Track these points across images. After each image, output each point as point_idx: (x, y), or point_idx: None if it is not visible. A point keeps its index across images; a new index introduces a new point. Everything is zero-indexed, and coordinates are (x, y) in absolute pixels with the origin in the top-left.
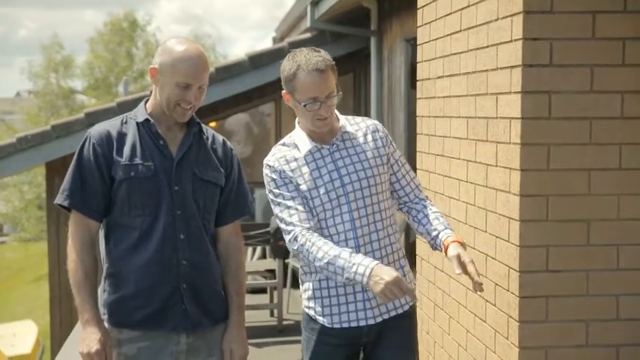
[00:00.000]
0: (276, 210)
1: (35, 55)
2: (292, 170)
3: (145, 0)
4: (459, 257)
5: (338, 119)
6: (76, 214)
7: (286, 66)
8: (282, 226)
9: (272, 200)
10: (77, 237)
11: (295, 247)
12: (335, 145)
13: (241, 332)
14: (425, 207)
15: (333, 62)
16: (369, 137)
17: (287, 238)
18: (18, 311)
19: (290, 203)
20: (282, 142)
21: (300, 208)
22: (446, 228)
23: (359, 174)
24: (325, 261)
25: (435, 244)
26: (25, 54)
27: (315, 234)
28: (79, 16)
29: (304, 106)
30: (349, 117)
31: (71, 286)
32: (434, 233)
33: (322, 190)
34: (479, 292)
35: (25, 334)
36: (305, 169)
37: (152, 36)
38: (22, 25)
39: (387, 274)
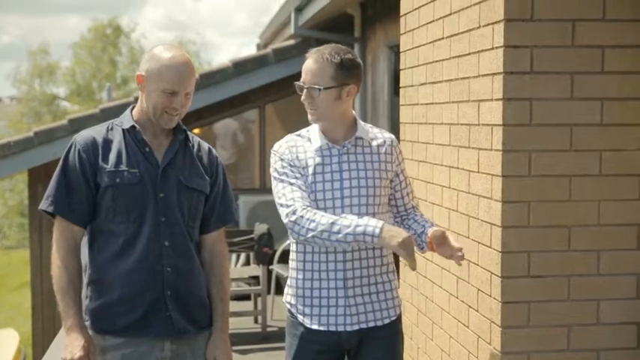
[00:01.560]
0: (278, 187)
1: (18, 60)
2: (299, 159)
3: (129, 6)
4: (439, 234)
5: (356, 122)
6: (61, 220)
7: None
8: (282, 200)
9: (275, 178)
10: (62, 243)
11: (293, 219)
12: (345, 148)
13: (225, 339)
14: (415, 214)
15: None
16: (383, 150)
17: (285, 211)
18: (0, 319)
19: (293, 181)
20: (298, 132)
21: (303, 187)
22: (432, 225)
23: (360, 181)
24: (330, 221)
25: (420, 242)
26: (8, 60)
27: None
28: (62, 21)
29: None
30: (369, 125)
31: (55, 292)
32: (420, 231)
33: (319, 187)
34: (460, 263)
35: (7, 342)
36: (310, 162)
37: (136, 42)
38: (5, 30)
39: (401, 231)
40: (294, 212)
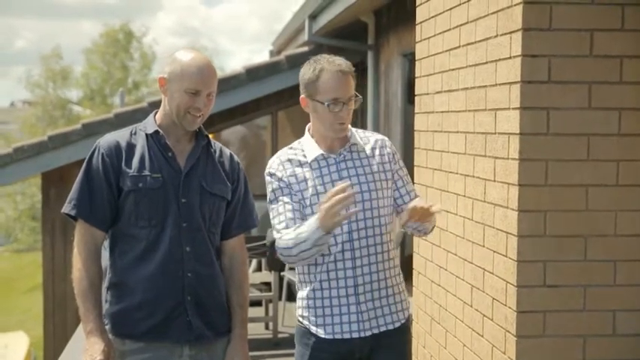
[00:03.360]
0: (272, 213)
1: (31, 65)
2: (295, 175)
3: (142, 12)
4: (410, 213)
5: (349, 130)
6: (83, 224)
7: (308, 69)
8: (274, 233)
9: (270, 201)
10: (83, 247)
11: (278, 253)
12: (342, 155)
13: (244, 346)
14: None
15: (354, 69)
16: (377, 152)
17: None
18: (10, 322)
19: (281, 209)
20: (290, 146)
21: (289, 215)
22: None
23: (362, 186)
24: (295, 249)
25: (422, 228)
26: (22, 64)
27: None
28: (76, 26)
29: (327, 106)
30: (359, 130)
31: (75, 295)
32: (405, 207)
33: (323, 198)
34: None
35: (17, 345)
36: (309, 175)
37: (148, 48)
38: (20, 35)
39: (321, 209)
40: (278, 246)
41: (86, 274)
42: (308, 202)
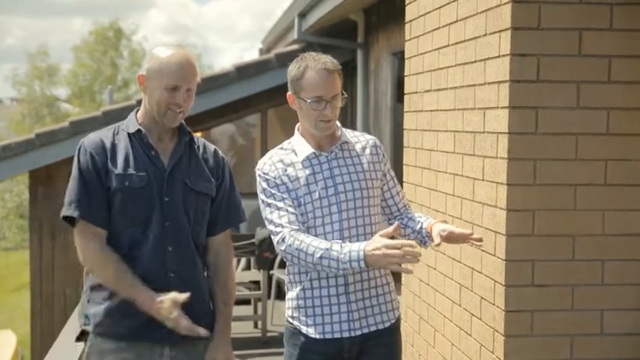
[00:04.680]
0: (266, 212)
1: (20, 62)
2: (287, 174)
3: (134, 9)
4: (445, 232)
5: (339, 129)
6: (84, 225)
7: (294, 67)
8: (271, 227)
9: (262, 201)
10: (89, 245)
11: (283, 248)
12: (333, 153)
13: (226, 342)
14: (408, 212)
15: (340, 67)
16: (367, 151)
17: (275, 239)
18: None
19: (280, 204)
20: (280, 146)
21: (291, 209)
22: (428, 219)
23: (353, 184)
24: (318, 255)
25: (422, 238)
26: (11, 61)
27: (303, 233)
28: (67, 24)
29: (309, 103)
30: (349, 130)
31: (117, 291)
32: (417, 227)
33: (315, 196)
34: (478, 245)
35: (4, 343)
36: (301, 174)
37: (138, 45)
38: (10, 32)
39: (377, 242)
40: (283, 240)
41: (110, 266)
42: (302, 201)
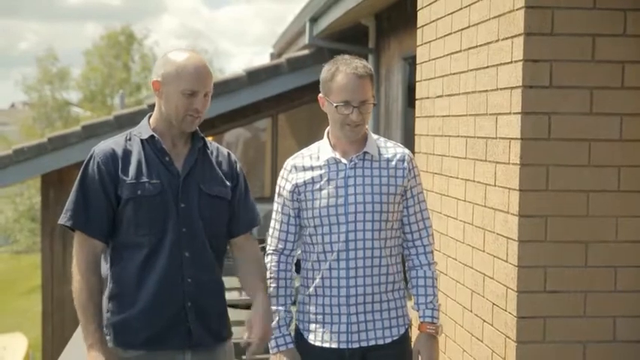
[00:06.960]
0: (272, 216)
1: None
2: (304, 178)
3: (146, 14)
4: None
5: (366, 137)
6: (81, 235)
7: (326, 68)
8: (270, 232)
9: (275, 202)
10: (82, 257)
11: (268, 260)
12: (352, 162)
13: (268, 310)
14: (417, 270)
15: (373, 72)
16: (393, 164)
17: (267, 248)
18: (8, 324)
19: (279, 217)
20: (308, 147)
21: (284, 227)
22: (426, 304)
23: (365, 197)
24: (271, 293)
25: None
26: (24, 66)
27: (281, 264)
28: (80, 28)
29: (336, 107)
30: (382, 139)
31: (75, 306)
32: (415, 307)
33: (324, 203)
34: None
35: (15, 347)
36: (317, 177)
37: (149, 49)
38: (24, 37)
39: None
40: (266, 254)
41: (86, 286)
42: (318, 204)
